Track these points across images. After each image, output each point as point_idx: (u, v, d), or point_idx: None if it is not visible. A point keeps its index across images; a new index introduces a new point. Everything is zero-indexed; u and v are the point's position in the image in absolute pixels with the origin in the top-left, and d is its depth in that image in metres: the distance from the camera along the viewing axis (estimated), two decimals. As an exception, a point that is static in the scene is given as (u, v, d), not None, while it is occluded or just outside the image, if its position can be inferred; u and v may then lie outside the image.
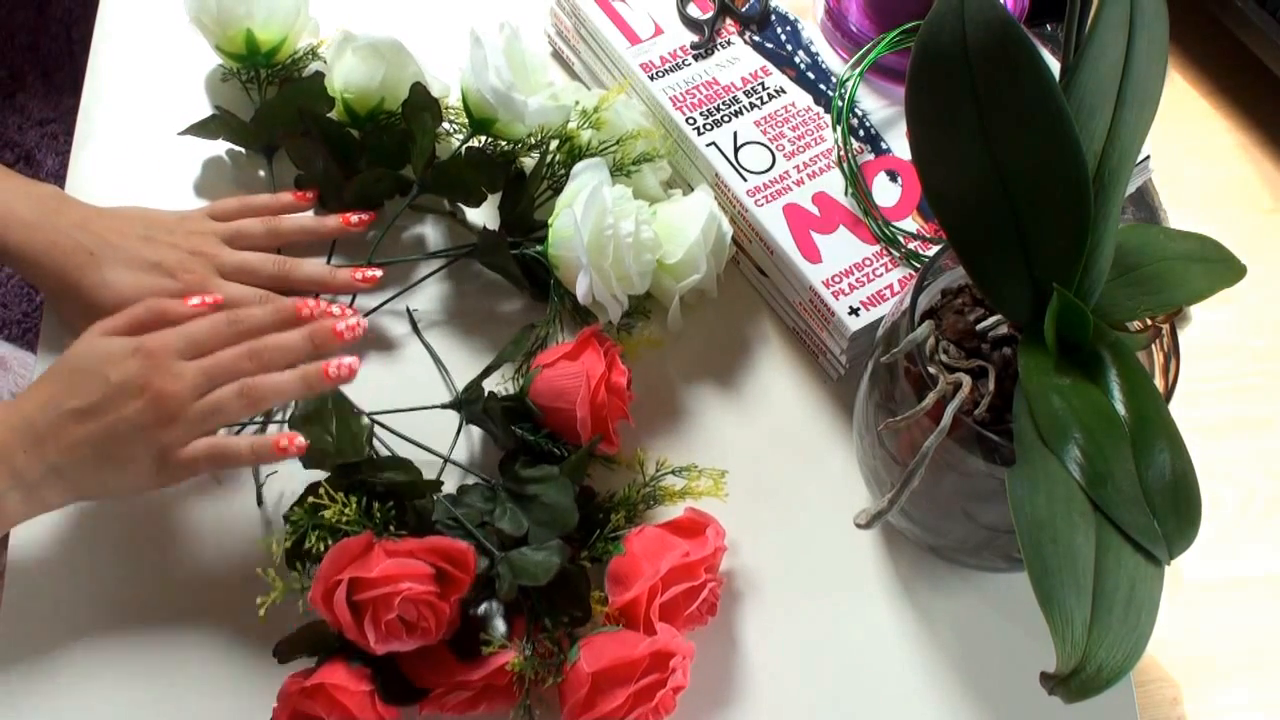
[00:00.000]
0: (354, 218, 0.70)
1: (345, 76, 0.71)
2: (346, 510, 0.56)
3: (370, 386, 0.68)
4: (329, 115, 0.72)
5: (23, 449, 0.55)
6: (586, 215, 0.63)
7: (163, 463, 0.57)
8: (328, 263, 0.71)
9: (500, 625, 0.57)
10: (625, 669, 0.54)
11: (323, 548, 0.57)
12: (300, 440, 0.58)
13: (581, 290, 0.64)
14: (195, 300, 0.62)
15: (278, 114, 0.72)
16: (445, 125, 0.73)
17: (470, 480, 0.65)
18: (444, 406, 0.66)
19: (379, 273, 0.69)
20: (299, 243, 0.71)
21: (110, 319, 0.59)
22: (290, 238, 0.70)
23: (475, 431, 0.67)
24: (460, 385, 0.67)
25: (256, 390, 0.58)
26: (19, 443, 0.55)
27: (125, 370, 0.56)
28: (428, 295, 0.72)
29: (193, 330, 0.59)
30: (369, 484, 0.59)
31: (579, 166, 0.67)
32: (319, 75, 0.72)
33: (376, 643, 0.54)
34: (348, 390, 0.67)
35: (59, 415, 0.56)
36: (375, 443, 0.65)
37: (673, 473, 0.64)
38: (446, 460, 0.64)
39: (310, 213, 0.72)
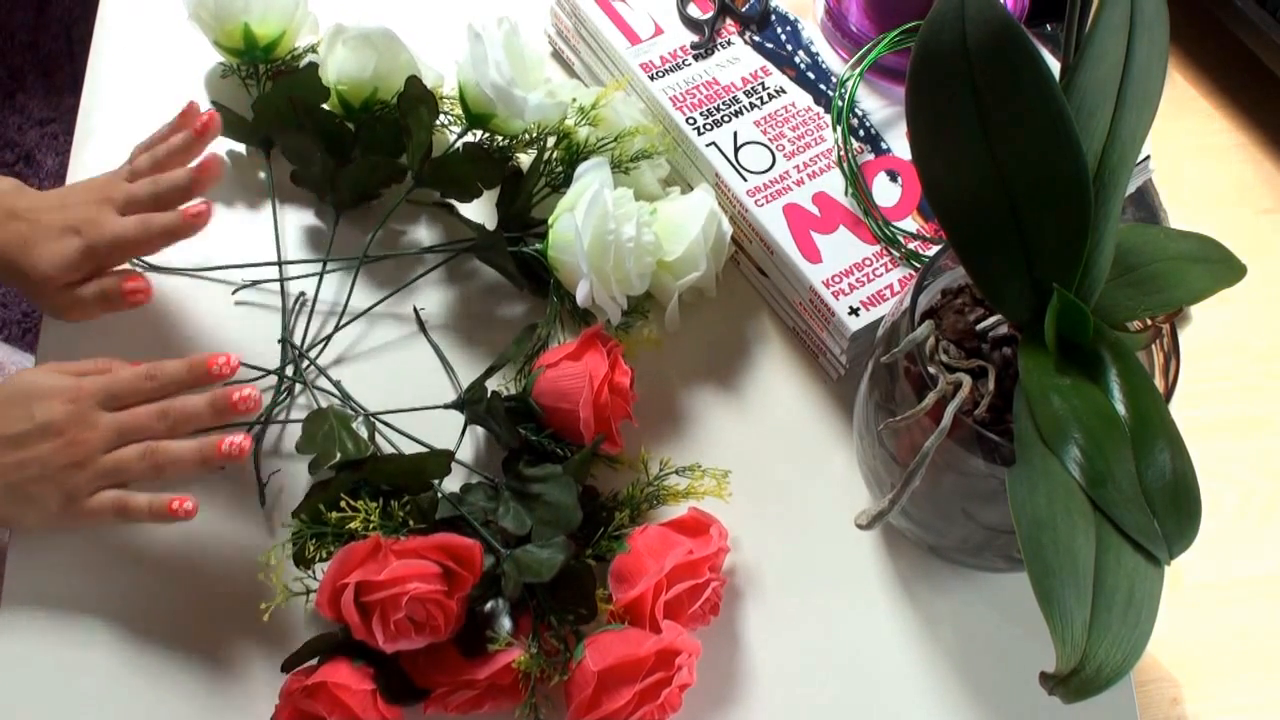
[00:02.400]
0: (197, 122, 0.68)
1: (338, 68, 0.71)
2: (371, 518, 0.57)
3: (373, 386, 0.68)
4: (324, 107, 0.72)
5: None
6: (587, 221, 0.63)
7: (67, 506, 0.59)
8: (325, 260, 0.71)
9: (506, 623, 0.57)
10: (631, 667, 0.54)
11: (324, 555, 0.57)
12: (189, 504, 0.60)
13: (581, 295, 0.64)
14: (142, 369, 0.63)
15: (273, 108, 0.72)
16: (440, 117, 0.73)
17: (474, 479, 0.65)
18: (447, 407, 0.66)
19: (214, 114, 0.68)
20: (178, 191, 0.67)
21: (61, 363, 0.62)
22: (167, 188, 0.66)
23: (478, 430, 0.67)
24: (461, 384, 0.68)
25: (158, 456, 0.60)
26: None
27: (49, 411, 0.59)
28: (427, 293, 0.72)
29: (113, 382, 0.61)
30: (374, 481, 0.60)
31: (582, 168, 0.67)
32: (312, 67, 0.72)
33: (385, 642, 0.54)
34: (352, 390, 0.67)
35: None
36: (381, 442, 0.65)
37: (676, 472, 0.64)
38: (451, 459, 0.64)
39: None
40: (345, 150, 0.72)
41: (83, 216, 0.65)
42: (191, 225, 0.66)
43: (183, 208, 0.65)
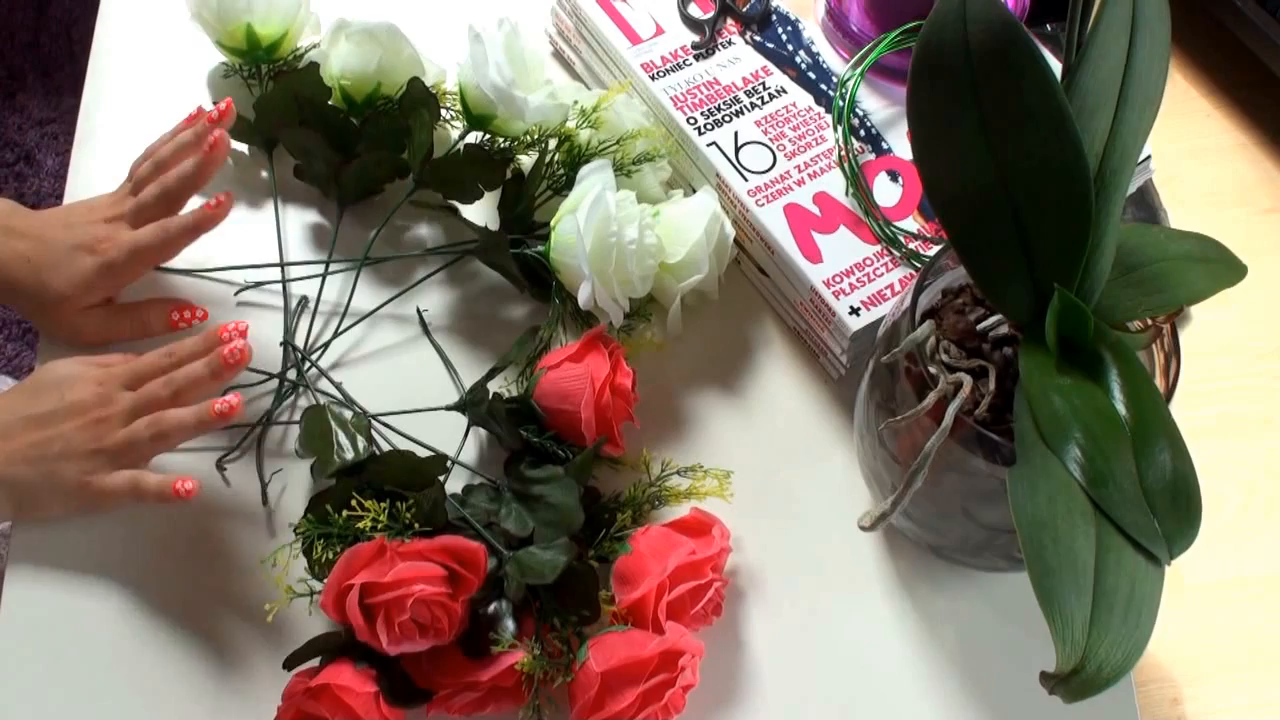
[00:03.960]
0: (213, 110, 0.67)
1: (341, 63, 0.71)
2: (380, 518, 0.57)
3: (374, 387, 0.68)
4: (328, 103, 0.72)
5: None
6: (589, 223, 0.63)
7: (85, 486, 0.60)
8: (327, 262, 0.71)
9: (509, 625, 0.57)
10: (635, 668, 0.55)
11: (331, 556, 0.57)
12: (189, 484, 0.59)
13: (583, 297, 0.64)
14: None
15: (276, 107, 0.72)
16: (442, 112, 0.73)
17: (476, 481, 0.65)
18: (449, 409, 0.66)
19: (229, 104, 0.67)
20: (184, 158, 0.67)
21: (92, 355, 0.63)
22: (171, 159, 0.67)
23: (480, 432, 0.67)
24: (464, 386, 0.68)
25: (161, 424, 0.60)
26: None
27: (78, 393, 0.60)
28: (429, 295, 0.72)
29: (138, 364, 0.62)
30: (375, 482, 0.60)
31: (585, 170, 0.67)
32: (314, 65, 0.72)
33: (389, 644, 0.54)
34: (354, 392, 0.67)
35: (14, 421, 0.60)
36: (384, 445, 0.65)
37: (678, 473, 0.64)
38: (453, 461, 0.64)
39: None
40: (349, 145, 0.72)
41: (93, 234, 0.65)
42: (212, 218, 0.65)
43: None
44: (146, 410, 0.61)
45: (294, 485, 0.65)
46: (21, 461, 0.59)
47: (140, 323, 0.67)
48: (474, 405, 0.64)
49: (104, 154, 0.75)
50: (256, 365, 0.68)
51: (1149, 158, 0.71)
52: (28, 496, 0.60)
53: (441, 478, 0.61)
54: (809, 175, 0.70)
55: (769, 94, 0.73)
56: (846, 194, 0.70)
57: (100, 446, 0.60)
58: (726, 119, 0.72)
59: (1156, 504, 0.47)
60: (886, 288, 0.66)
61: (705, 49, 0.75)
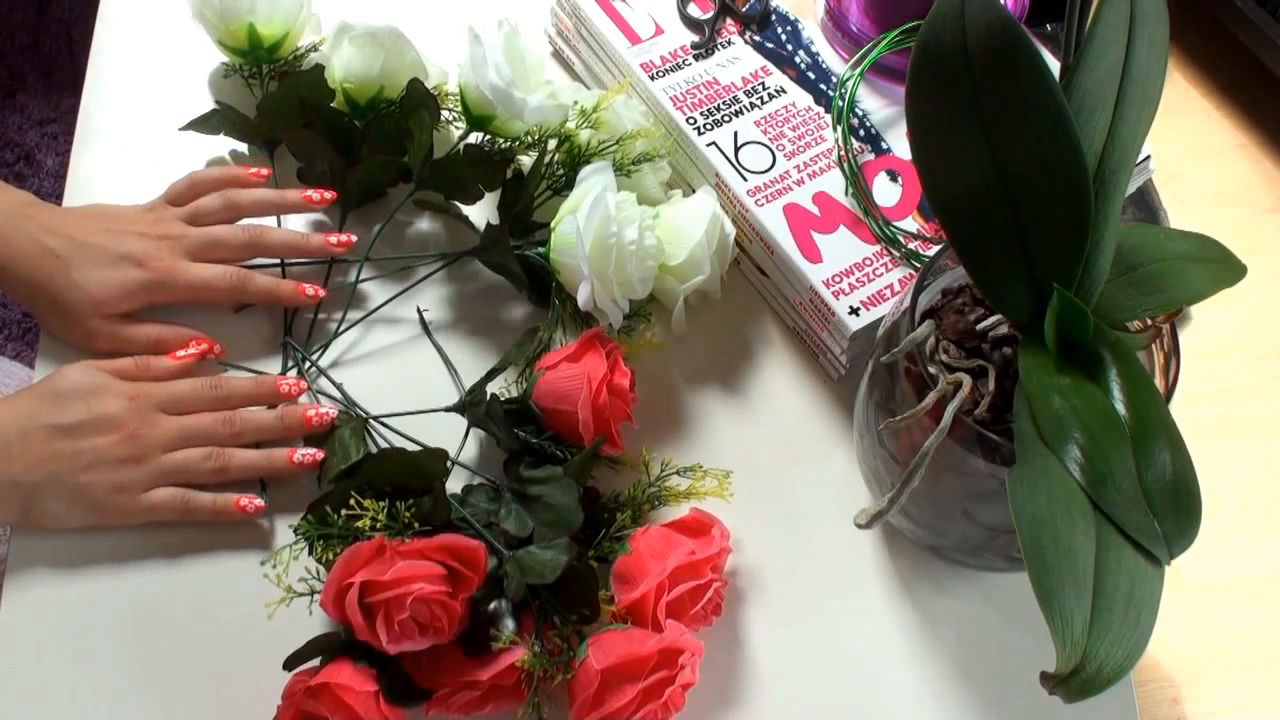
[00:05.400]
0: (314, 194, 0.69)
1: (344, 66, 0.71)
2: (379, 517, 0.57)
3: (374, 387, 0.68)
4: (331, 106, 0.72)
5: None
6: (589, 223, 0.63)
7: (112, 499, 0.59)
8: (328, 262, 0.71)
9: (509, 624, 0.57)
10: (634, 665, 0.55)
11: (331, 556, 0.57)
12: (258, 501, 0.62)
13: (583, 298, 0.64)
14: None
15: (279, 108, 0.72)
16: (444, 114, 0.73)
17: (475, 481, 0.65)
18: (447, 410, 0.66)
19: (353, 237, 0.70)
20: (257, 215, 0.70)
21: (100, 361, 0.62)
22: (248, 210, 0.69)
23: (480, 432, 0.67)
24: (464, 386, 0.68)
25: (224, 460, 0.62)
26: None
27: (109, 406, 0.60)
28: (429, 296, 0.72)
29: (178, 389, 0.63)
30: (376, 481, 0.60)
31: (585, 171, 0.67)
32: (319, 67, 0.72)
33: (389, 643, 0.54)
34: (352, 392, 0.67)
35: (34, 428, 0.59)
36: (382, 444, 0.65)
37: (677, 473, 0.64)
38: (453, 462, 0.64)
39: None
40: (352, 148, 0.72)
41: (144, 249, 0.65)
42: (297, 301, 0.68)
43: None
44: (199, 442, 0.61)
45: (294, 485, 0.65)
46: (42, 469, 0.58)
47: (155, 341, 0.66)
48: (473, 406, 0.64)
49: (104, 154, 0.75)
50: (257, 365, 0.68)
51: (1149, 158, 0.71)
52: (39, 504, 0.59)
53: (441, 480, 0.61)
54: (808, 175, 0.70)
55: (768, 94, 0.73)
56: (846, 194, 0.70)
57: (139, 465, 0.60)
58: (726, 119, 0.72)
59: (1156, 504, 0.47)
60: (886, 288, 0.66)
61: (705, 49, 0.75)
